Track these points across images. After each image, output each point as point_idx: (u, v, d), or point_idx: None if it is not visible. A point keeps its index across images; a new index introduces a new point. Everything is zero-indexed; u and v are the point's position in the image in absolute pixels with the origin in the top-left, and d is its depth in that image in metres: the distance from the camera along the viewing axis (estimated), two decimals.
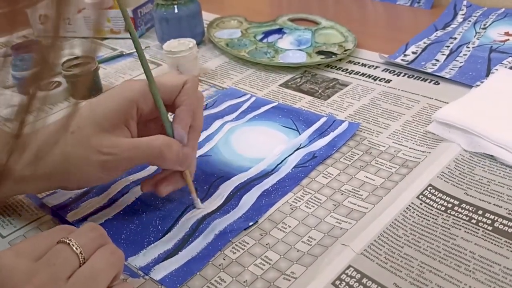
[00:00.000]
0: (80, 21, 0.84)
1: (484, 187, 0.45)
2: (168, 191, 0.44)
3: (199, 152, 0.53)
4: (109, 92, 0.44)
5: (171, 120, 0.44)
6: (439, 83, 0.63)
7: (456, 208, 0.43)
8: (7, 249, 0.33)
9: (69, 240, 0.33)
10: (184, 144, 0.43)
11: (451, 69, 0.65)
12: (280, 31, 0.81)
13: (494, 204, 0.43)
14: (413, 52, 0.71)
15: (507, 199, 0.43)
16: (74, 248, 0.32)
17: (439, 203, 0.43)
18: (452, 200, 0.43)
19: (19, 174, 0.40)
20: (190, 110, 0.43)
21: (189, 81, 0.44)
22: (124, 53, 0.79)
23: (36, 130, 0.22)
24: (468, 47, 0.70)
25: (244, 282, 0.38)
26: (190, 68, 0.68)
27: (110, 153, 0.40)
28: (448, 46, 0.71)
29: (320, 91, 0.64)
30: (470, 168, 0.47)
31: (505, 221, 0.41)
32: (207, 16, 0.85)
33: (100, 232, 0.35)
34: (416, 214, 0.42)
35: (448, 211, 0.42)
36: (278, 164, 0.50)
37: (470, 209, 0.42)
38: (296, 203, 0.45)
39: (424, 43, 0.73)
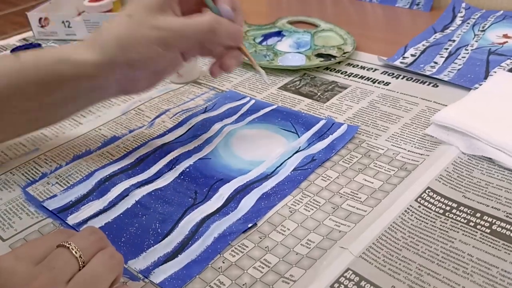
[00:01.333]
0: (80, 24, 0.84)
1: (482, 189, 0.45)
2: (232, 64, 0.50)
3: (199, 155, 0.53)
4: None
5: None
6: (437, 86, 0.63)
7: (454, 211, 0.43)
8: (7, 252, 0.33)
9: (68, 244, 0.33)
10: (232, 20, 0.48)
11: (450, 72, 0.65)
12: (279, 33, 0.81)
13: (492, 207, 0.43)
14: (411, 55, 0.71)
15: (505, 202, 0.43)
16: (74, 252, 0.33)
17: (437, 206, 0.44)
18: (450, 203, 0.44)
19: (84, 68, 0.45)
20: None
21: None
22: None
23: None
24: (467, 50, 0.70)
25: (243, 285, 0.38)
26: (190, 71, 0.69)
27: (165, 29, 0.45)
28: (446, 49, 0.71)
29: (319, 93, 0.64)
30: (468, 171, 0.47)
31: (503, 224, 0.41)
32: None
33: (99, 236, 0.35)
34: (415, 217, 0.43)
35: (446, 214, 0.43)
36: (277, 167, 0.50)
37: (468, 211, 0.43)
38: (295, 206, 0.46)
39: (423, 45, 0.73)
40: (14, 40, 0.89)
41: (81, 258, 0.33)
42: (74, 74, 0.46)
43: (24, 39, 0.89)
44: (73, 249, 0.33)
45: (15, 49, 0.74)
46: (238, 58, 0.50)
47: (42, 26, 0.87)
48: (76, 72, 0.46)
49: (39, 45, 0.75)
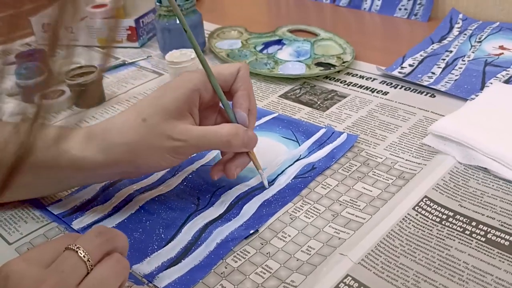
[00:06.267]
0: (83, 30, 0.85)
1: (478, 199, 0.46)
2: (238, 172, 0.48)
3: (201, 162, 0.54)
4: (171, 83, 0.46)
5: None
6: (435, 96, 0.64)
7: (450, 219, 0.44)
8: (17, 257, 0.34)
9: (77, 248, 0.34)
10: (246, 127, 0.47)
11: (447, 82, 0.66)
12: (279, 42, 0.83)
13: (488, 216, 0.44)
14: (409, 65, 0.72)
15: (500, 211, 0.44)
16: (82, 256, 0.33)
17: (434, 214, 0.45)
18: (446, 212, 0.45)
19: (83, 163, 0.43)
20: (247, 94, 0.47)
21: (242, 68, 0.47)
22: (126, 62, 0.80)
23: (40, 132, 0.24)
24: (464, 60, 0.72)
25: None
26: None
27: (180, 139, 0.43)
28: (444, 59, 0.73)
29: (319, 102, 0.65)
30: (464, 180, 0.48)
31: (498, 233, 0.42)
32: (208, 26, 0.87)
33: (106, 237, 0.36)
34: (412, 225, 0.44)
35: (443, 222, 0.44)
36: (278, 175, 0.52)
37: (464, 220, 0.44)
38: (296, 213, 0.47)
39: (421, 55, 0.75)
40: (17, 45, 0.90)
41: (89, 261, 0.34)
42: (71, 166, 0.44)
43: (27, 44, 0.90)
44: (81, 253, 0.34)
45: (19, 55, 0.75)
46: (243, 165, 0.48)
47: (45, 32, 0.87)
48: (72, 165, 0.44)
49: (41, 50, 0.76)
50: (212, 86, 0.46)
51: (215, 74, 0.46)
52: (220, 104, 0.48)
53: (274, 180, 0.51)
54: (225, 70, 0.47)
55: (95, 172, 0.45)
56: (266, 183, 0.49)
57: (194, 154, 0.51)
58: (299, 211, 0.47)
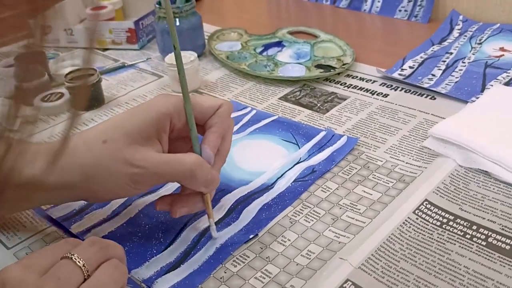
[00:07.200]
0: (82, 32, 0.85)
1: (479, 202, 0.46)
2: (183, 213, 0.43)
3: None
4: (143, 104, 0.43)
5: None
6: (435, 98, 0.64)
7: (451, 223, 0.44)
8: (15, 263, 0.34)
9: (71, 255, 0.34)
10: (211, 166, 0.42)
11: (447, 84, 0.66)
12: (279, 44, 0.82)
13: (488, 220, 0.44)
14: (410, 67, 0.72)
15: (501, 214, 0.44)
16: (77, 262, 0.33)
17: (434, 218, 0.44)
18: (447, 215, 0.45)
19: (32, 182, 0.39)
20: (220, 133, 0.43)
21: (224, 105, 0.44)
22: (126, 65, 0.80)
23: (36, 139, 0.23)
24: (464, 62, 0.72)
25: None
26: (191, 81, 0.70)
27: (140, 166, 0.39)
28: (444, 61, 0.73)
29: (319, 104, 0.65)
30: (465, 184, 0.48)
31: (498, 237, 0.42)
32: (207, 28, 0.86)
33: (100, 246, 0.35)
34: (412, 229, 0.43)
35: (443, 226, 0.44)
36: (278, 178, 0.51)
37: (465, 224, 0.44)
38: (296, 217, 0.46)
39: (421, 57, 0.74)
40: (17, 47, 0.90)
41: (85, 267, 0.33)
42: (21, 185, 0.37)
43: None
44: (76, 259, 0.33)
45: (17, 57, 0.75)
46: (191, 209, 0.43)
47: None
48: (23, 184, 0.37)
49: (42, 53, 0.76)
50: (186, 114, 0.42)
51: (193, 103, 0.42)
52: None
53: (274, 183, 0.51)
54: (205, 102, 0.43)
55: (48, 193, 0.41)
56: (214, 233, 0.44)
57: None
58: (299, 215, 0.47)
